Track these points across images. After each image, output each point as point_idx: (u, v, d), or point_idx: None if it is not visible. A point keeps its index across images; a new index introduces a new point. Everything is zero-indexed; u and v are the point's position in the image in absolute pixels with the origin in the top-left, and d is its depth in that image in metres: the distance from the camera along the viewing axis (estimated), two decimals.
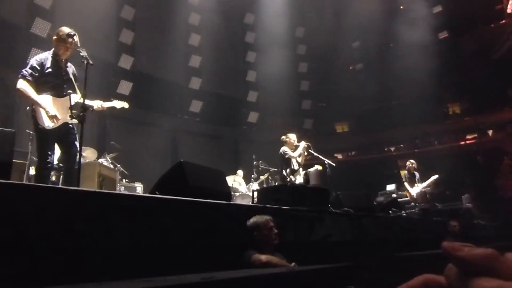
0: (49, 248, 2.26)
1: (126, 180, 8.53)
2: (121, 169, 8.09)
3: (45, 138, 4.03)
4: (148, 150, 12.89)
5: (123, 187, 7.98)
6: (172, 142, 14.89)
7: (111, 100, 4.77)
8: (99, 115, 12.00)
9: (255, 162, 10.42)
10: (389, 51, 18.48)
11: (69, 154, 4.19)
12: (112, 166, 7.57)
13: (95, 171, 6.03)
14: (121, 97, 12.87)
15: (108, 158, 7.74)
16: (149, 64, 14.35)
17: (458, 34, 17.67)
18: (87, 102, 4.06)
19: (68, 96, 4.20)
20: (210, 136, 16.04)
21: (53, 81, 4.19)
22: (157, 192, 3.67)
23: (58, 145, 4.27)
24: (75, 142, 4.21)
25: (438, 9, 17.29)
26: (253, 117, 16.99)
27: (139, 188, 8.82)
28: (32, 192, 2.26)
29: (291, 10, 16.98)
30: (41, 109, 3.99)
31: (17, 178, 5.03)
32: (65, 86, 4.26)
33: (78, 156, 3.96)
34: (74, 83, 4.31)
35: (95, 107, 4.36)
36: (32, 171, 6.09)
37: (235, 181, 10.39)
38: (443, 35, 17.57)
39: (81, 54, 3.94)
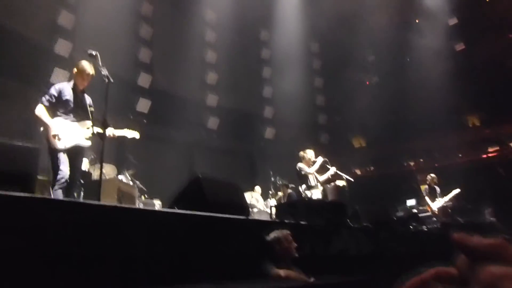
0: (69, 261, 2.31)
1: (145, 196, 8.63)
2: (140, 185, 8.19)
3: (56, 158, 4.37)
4: (166, 167, 13.01)
5: (142, 204, 8.07)
6: (190, 158, 14.99)
7: (123, 128, 5.00)
8: None
9: (272, 178, 10.41)
10: (405, 64, 18.38)
11: (74, 175, 4.54)
12: (131, 182, 7.69)
13: (114, 188, 6.14)
14: (140, 115, 13.20)
15: (127, 174, 7.87)
16: (166, 82, 14.59)
17: (475, 45, 17.48)
18: (99, 130, 4.48)
19: (83, 121, 4.66)
20: (227, 152, 16.11)
21: (69, 107, 4.63)
22: (175, 207, 3.72)
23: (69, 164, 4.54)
24: (81, 164, 4.77)
25: (454, 21, 17.17)
26: (269, 132, 17.02)
27: (157, 205, 8.91)
28: (55, 206, 2.33)
29: (305, 26, 17.13)
30: (49, 129, 4.39)
31: (39, 194, 5.14)
32: (79, 112, 4.69)
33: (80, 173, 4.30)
34: (89, 112, 4.74)
35: (106, 135, 4.65)
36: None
37: (253, 197, 10.39)
38: (460, 46, 17.41)
39: (102, 72, 4.10)
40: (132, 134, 5.07)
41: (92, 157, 7.14)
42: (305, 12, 16.88)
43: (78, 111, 4.69)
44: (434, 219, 9.29)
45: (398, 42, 17.20)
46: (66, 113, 4.62)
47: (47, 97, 4.59)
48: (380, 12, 17.01)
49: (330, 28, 18.28)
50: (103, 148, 3.78)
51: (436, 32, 16.58)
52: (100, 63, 4.28)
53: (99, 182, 3.92)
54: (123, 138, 4.96)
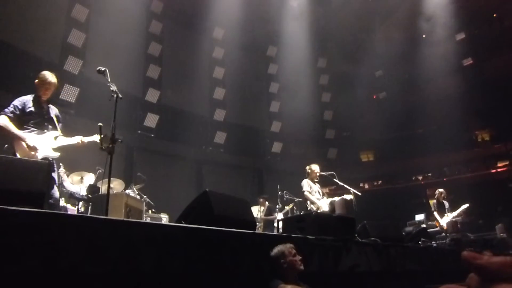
0: (77, 275, 2.31)
1: (152, 210, 8.64)
2: (147, 200, 8.21)
3: None
4: (173, 181, 13.06)
5: (149, 218, 8.08)
6: (197, 173, 15.03)
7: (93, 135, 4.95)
8: (126, 148, 12.34)
9: (279, 192, 10.40)
10: (413, 79, 18.39)
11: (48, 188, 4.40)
12: (138, 197, 7.71)
13: (122, 202, 6.16)
14: (147, 130, 13.31)
15: (134, 189, 7.90)
16: (174, 97, 14.74)
17: (482, 60, 17.49)
18: (68, 140, 4.57)
19: (49, 133, 4.61)
20: (235, 166, 16.12)
21: (34, 119, 4.57)
22: (182, 222, 3.72)
23: None
24: (53, 175, 4.57)
25: (461, 36, 17.22)
26: (277, 147, 17.03)
27: (164, 219, 8.91)
28: (64, 220, 2.35)
29: (312, 42, 17.25)
30: (22, 142, 4.33)
31: (48, 209, 5.17)
32: (45, 124, 4.66)
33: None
34: (55, 122, 4.74)
35: (75, 143, 4.72)
36: (62, 202, 6.28)
37: (259, 211, 10.36)
38: (468, 61, 17.41)
39: (111, 88, 4.13)
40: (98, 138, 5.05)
41: (100, 171, 7.19)
42: (312, 28, 17.01)
43: (43, 122, 4.63)
44: (443, 234, 9.17)
45: (406, 57, 17.24)
46: (31, 125, 4.53)
47: (11, 108, 4.47)
48: (387, 27, 17.11)
49: (337, 44, 18.41)
50: (111, 163, 3.79)
51: (444, 47, 16.58)
52: (109, 79, 4.31)
53: (106, 197, 3.91)
54: (94, 143, 4.90)
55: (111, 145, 3.85)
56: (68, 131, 5.00)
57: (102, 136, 4.06)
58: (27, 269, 2.12)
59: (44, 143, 4.51)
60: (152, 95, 13.63)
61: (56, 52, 11.47)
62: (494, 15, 17.44)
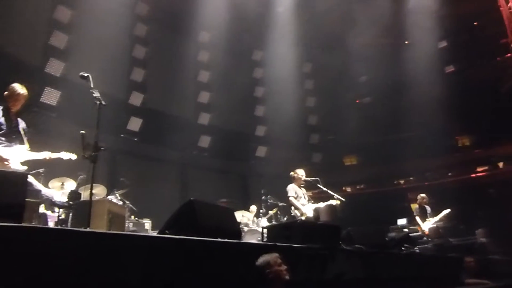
0: None
1: (135, 217, 8.51)
2: (130, 205, 8.09)
3: None
4: (157, 186, 12.91)
5: (131, 224, 7.95)
6: (181, 177, 14.91)
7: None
8: (108, 152, 12.14)
9: (263, 197, 10.38)
10: (396, 84, 18.63)
11: None
12: (121, 203, 7.58)
13: (104, 209, 6.03)
14: (131, 133, 13.13)
15: (117, 194, 7.76)
16: (159, 101, 14.59)
17: (464, 67, 17.82)
18: (35, 155, 4.55)
19: (17, 146, 4.56)
20: (219, 170, 16.05)
21: (2, 131, 4.50)
22: (167, 232, 3.67)
23: None
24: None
25: (443, 44, 17.52)
26: (261, 151, 17.03)
27: (147, 225, 8.78)
28: (45, 234, 2.28)
29: (298, 47, 17.32)
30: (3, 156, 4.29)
31: (28, 217, 5.03)
32: (13, 137, 4.60)
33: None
34: (23, 136, 4.68)
35: (41, 158, 4.71)
36: (41, 209, 6.12)
37: (244, 216, 10.32)
38: (449, 69, 17.73)
39: (94, 95, 4.05)
40: (68, 156, 5.02)
41: (82, 177, 7.04)
42: (298, 33, 17.09)
43: (11, 135, 4.56)
44: (425, 239, 9.26)
45: (390, 63, 17.45)
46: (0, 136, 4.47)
47: None
48: (371, 33, 17.29)
49: (322, 49, 18.53)
50: (93, 172, 3.72)
51: (427, 54, 16.84)
52: (92, 85, 4.23)
53: (89, 204, 3.83)
54: (60, 159, 4.89)
55: (94, 154, 3.76)
56: (49, 135, 4.94)
57: (84, 144, 3.98)
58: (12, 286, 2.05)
59: (12, 156, 4.45)
60: (136, 98, 13.46)
61: (37, 54, 11.22)
62: (475, 23, 17.82)
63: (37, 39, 11.30)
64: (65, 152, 4.95)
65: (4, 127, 4.51)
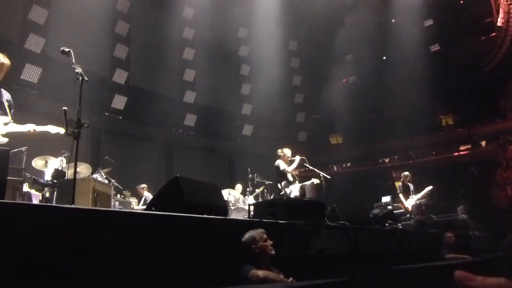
0: (44, 266, 2.23)
1: (121, 195, 8.47)
2: (116, 184, 8.03)
3: None
4: (142, 165, 12.82)
5: (117, 203, 7.91)
6: (167, 156, 14.84)
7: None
8: (93, 130, 11.97)
9: (250, 175, 10.40)
10: (382, 63, 18.66)
11: None
12: (106, 181, 7.51)
13: (89, 187, 5.97)
14: (115, 112, 12.94)
15: (102, 173, 7.68)
16: (143, 79, 14.37)
17: (449, 46, 17.92)
18: (18, 127, 4.27)
19: None
20: (205, 149, 16.02)
21: None
22: (153, 208, 3.66)
23: None
24: None
25: (429, 22, 17.52)
26: (247, 130, 17.01)
27: (134, 203, 8.77)
28: (28, 211, 2.24)
29: (284, 24, 17.14)
30: None
31: (11, 195, 4.97)
32: None
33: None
34: (6, 107, 4.44)
35: (25, 130, 4.45)
36: (25, 187, 6.04)
37: (230, 194, 10.34)
38: (435, 47, 17.79)
39: (76, 70, 3.94)
40: (55, 129, 4.81)
41: (66, 155, 6.94)
42: (284, 10, 16.88)
43: None
44: (408, 216, 9.45)
45: (376, 41, 17.43)
46: None
47: None
48: (358, 12, 17.19)
49: (308, 27, 18.37)
50: (77, 149, 3.65)
51: (412, 33, 16.85)
52: (73, 60, 4.10)
53: (73, 183, 3.76)
54: (47, 133, 4.69)
55: (77, 130, 3.69)
56: (30, 113, 4.78)
57: (67, 120, 3.88)
58: None
59: None
60: (120, 76, 13.22)
61: (16, 29, 10.87)
62: (461, 2, 17.84)
63: (16, 14, 10.92)
64: (52, 126, 4.76)
65: None
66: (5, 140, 4.35)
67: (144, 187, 9.27)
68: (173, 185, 3.77)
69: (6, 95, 4.59)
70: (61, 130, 4.81)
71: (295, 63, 18.90)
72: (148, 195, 8.97)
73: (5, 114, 4.45)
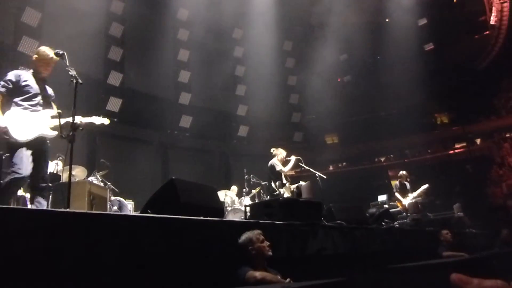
0: (38, 271, 2.21)
1: (117, 198, 8.42)
2: (112, 186, 7.99)
3: (15, 152, 4.01)
4: (138, 167, 12.79)
5: (115, 207, 7.86)
6: (163, 158, 14.81)
7: (99, 116, 4.73)
8: (88, 133, 11.93)
9: (246, 176, 10.38)
10: (376, 63, 18.72)
11: (40, 172, 4.19)
12: (102, 184, 7.48)
13: (85, 190, 5.93)
14: (110, 114, 12.88)
15: (98, 176, 7.65)
16: (138, 80, 14.32)
17: (443, 45, 18.01)
18: (65, 119, 4.11)
19: (45, 111, 4.28)
20: (201, 150, 15.99)
21: (29, 94, 4.23)
22: (149, 211, 3.64)
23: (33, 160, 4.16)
24: (47, 160, 4.33)
25: (423, 21, 17.60)
26: (243, 131, 17.00)
27: (130, 206, 8.72)
28: (23, 215, 2.22)
29: (278, 25, 17.13)
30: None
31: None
32: (42, 101, 4.32)
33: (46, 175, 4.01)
34: (51, 102, 4.43)
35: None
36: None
37: (227, 195, 10.33)
38: (429, 46, 17.88)
39: (70, 73, 3.91)
40: (100, 120, 4.73)
41: (61, 158, 6.90)
42: (279, 11, 16.87)
43: (39, 99, 4.29)
44: (404, 214, 9.48)
45: (370, 41, 17.48)
46: (25, 101, 4.18)
47: (2, 83, 4.15)
48: (352, 11, 17.22)
49: (303, 27, 18.39)
50: (71, 151, 3.62)
51: (406, 32, 16.91)
52: (67, 63, 4.07)
53: (68, 186, 3.73)
54: (91, 124, 4.61)
55: (71, 133, 3.66)
56: None
57: (61, 123, 3.85)
58: None
59: (37, 122, 4.18)
60: (115, 78, 13.18)
61: (9, 32, 10.81)
62: (454, 1, 17.93)
63: (9, 17, 10.86)
64: (96, 117, 4.69)
65: (32, 90, 4.25)
66: (54, 133, 4.24)
67: None
68: (168, 188, 3.76)
69: (50, 91, 4.55)
70: (106, 121, 4.78)
71: (290, 63, 18.91)
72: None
73: (51, 107, 4.40)
